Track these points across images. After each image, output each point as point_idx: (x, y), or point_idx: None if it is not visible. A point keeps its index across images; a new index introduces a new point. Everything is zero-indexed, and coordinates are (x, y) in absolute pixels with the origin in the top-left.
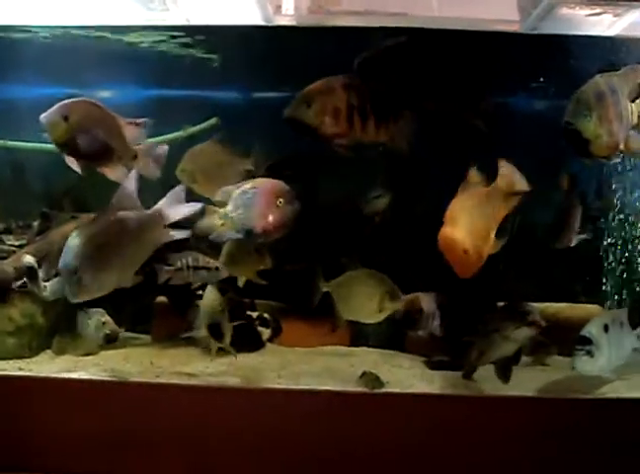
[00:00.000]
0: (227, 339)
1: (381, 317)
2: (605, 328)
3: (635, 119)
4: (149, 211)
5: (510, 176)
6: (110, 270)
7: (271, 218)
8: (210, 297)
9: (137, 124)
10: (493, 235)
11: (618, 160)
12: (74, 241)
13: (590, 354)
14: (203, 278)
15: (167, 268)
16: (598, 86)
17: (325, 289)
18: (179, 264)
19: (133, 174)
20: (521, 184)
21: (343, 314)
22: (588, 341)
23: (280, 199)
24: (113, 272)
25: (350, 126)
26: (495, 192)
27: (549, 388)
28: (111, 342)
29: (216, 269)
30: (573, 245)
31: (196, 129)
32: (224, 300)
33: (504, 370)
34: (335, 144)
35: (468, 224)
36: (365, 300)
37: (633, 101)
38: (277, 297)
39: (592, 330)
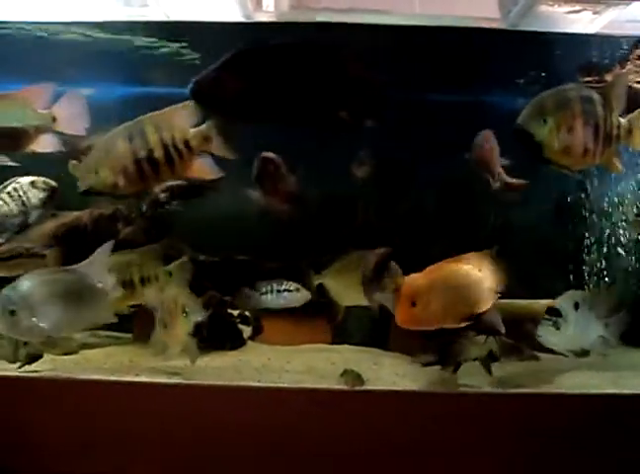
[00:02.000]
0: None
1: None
2: (576, 305)
3: (624, 134)
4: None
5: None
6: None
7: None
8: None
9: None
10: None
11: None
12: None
13: (556, 325)
14: (285, 300)
15: (253, 293)
16: (563, 92)
17: (318, 282)
18: (263, 289)
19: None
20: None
21: (341, 302)
22: (557, 312)
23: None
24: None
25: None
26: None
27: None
28: (33, 361)
29: (297, 290)
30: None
31: None
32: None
33: (485, 365)
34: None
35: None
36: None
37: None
38: None
39: (562, 303)
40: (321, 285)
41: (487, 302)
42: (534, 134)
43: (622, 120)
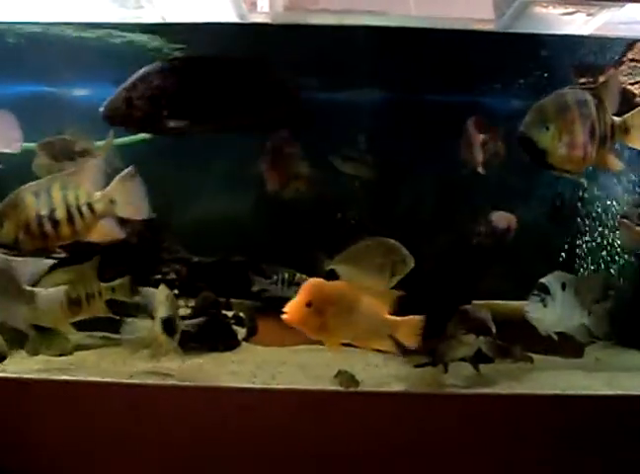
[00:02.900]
0: (177, 338)
1: (394, 282)
2: (563, 286)
3: (618, 133)
4: None
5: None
6: None
7: None
8: (163, 293)
9: None
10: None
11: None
12: None
13: (544, 302)
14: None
15: (263, 280)
16: (561, 97)
17: (329, 267)
18: (274, 277)
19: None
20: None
21: None
22: (545, 289)
23: None
24: None
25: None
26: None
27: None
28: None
29: None
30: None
31: None
32: (174, 298)
33: (474, 364)
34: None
35: None
36: (376, 271)
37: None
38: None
39: (551, 281)
40: (332, 271)
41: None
42: (538, 141)
43: (617, 120)
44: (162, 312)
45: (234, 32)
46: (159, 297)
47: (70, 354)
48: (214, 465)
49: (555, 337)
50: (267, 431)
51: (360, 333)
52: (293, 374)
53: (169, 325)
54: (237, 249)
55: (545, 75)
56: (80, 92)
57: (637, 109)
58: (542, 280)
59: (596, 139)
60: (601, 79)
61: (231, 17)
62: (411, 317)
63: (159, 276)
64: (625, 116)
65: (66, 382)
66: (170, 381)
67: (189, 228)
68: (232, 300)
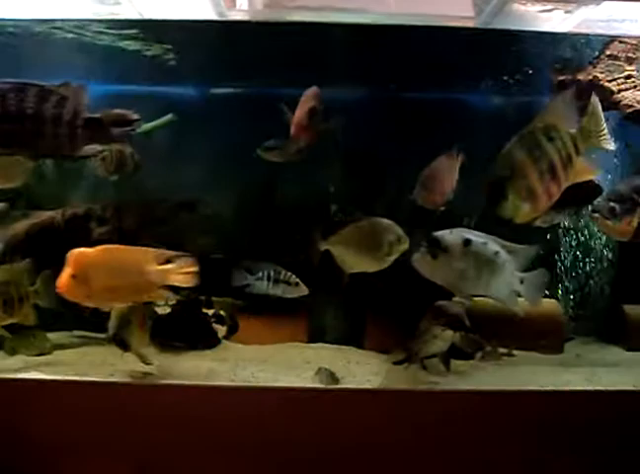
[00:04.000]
0: (136, 346)
1: (390, 260)
2: (466, 242)
3: (582, 143)
4: None
5: None
6: None
7: None
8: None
9: None
10: None
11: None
12: None
13: (433, 254)
14: (282, 292)
15: (248, 275)
16: (512, 156)
17: (324, 248)
18: (260, 274)
19: None
20: None
21: (346, 269)
22: (435, 242)
23: None
24: None
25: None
26: None
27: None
28: None
29: (296, 284)
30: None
31: (151, 126)
32: (134, 307)
33: (444, 361)
34: None
35: None
36: (373, 251)
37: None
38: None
39: (447, 236)
40: (327, 251)
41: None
42: (502, 215)
43: (577, 134)
44: (112, 329)
45: (213, 29)
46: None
47: (49, 353)
48: (194, 463)
49: (468, 301)
50: (247, 428)
51: (130, 292)
52: (274, 372)
53: (120, 343)
54: (219, 246)
55: (524, 72)
56: None
57: (589, 112)
58: (435, 234)
59: (559, 170)
60: (581, 77)
61: (210, 14)
62: (178, 262)
63: None
64: (582, 123)
65: (46, 381)
66: (150, 380)
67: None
68: (213, 298)
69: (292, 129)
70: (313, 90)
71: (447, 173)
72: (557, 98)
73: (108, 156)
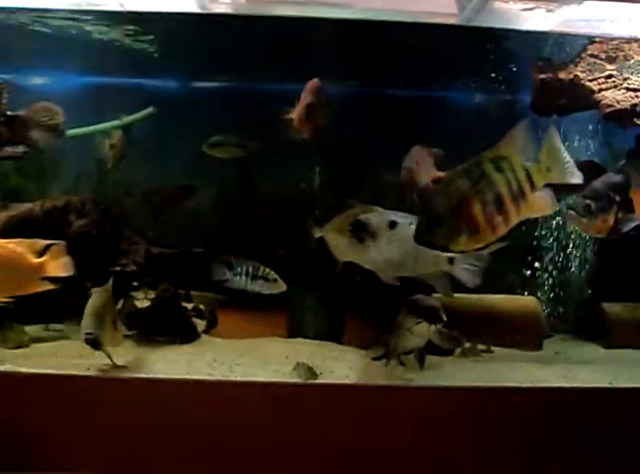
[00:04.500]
0: (108, 345)
1: None
2: (391, 224)
3: (539, 176)
4: None
5: None
6: None
7: None
8: (94, 303)
9: None
10: None
11: None
12: None
13: (359, 238)
14: (260, 288)
15: (226, 270)
16: (453, 185)
17: (318, 235)
18: (238, 269)
19: None
20: None
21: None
22: (361, 226)
23: None
24: None
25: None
26: None
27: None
28: None
29: (275, 280)
30: None
31: (133, 118)
32: (110, 306)
33: (419, 358)
34: None
35: None
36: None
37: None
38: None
39: (372, 219)
40: (321, 239)
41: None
42: (433, 241)
43: (532, 166)
44: (86, 327)
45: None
46: (88, 308)
47: (26, 346)
48: (172, 456)
49: (396, 282)
50: (224, 423)
51: (11, 285)
52: (252, 367)
53: (92, 342)
54: (199, 240)
55: (506, 70)
56: (38, 81)
57: (544, 146)
58: (360, 217)
59: (507, 202)
60: (562, 76)
61: (192, 7)
62: (51, 251)
63: (118, 268)
64: (540, 157)
65: (21, 374)
66: (126, 373)
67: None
68: (193, 292)
69: (295, 123)
70: (312, 84)
71: (427, 157)
72: (515, 129)
73: (116, 144)
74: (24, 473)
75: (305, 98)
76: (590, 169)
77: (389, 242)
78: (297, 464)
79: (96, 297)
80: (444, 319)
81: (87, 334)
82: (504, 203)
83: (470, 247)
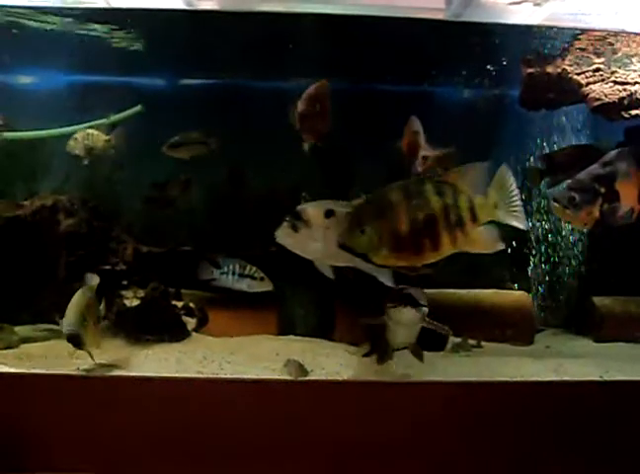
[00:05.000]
0: (90, 345)
1: None
2: (328, 213)
3: (485, 212)
4: None
5: None
6: None
7: None
8: (78, 300)
9: None
10: None
11: None
12: None
13: (294, 227)
14: (247, 287)
15: (214, 269)
16: (387, 195)
17: None
18: (225, 268)
19: None
20: None
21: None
22: (297, 215)
23: None
24: None
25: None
26: None
27: None
28: None
29: (261, 279)
30: None
31: (120, 117)
32: (93, 305)
33: (415, 352)
34: None
35: None
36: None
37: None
38: None
39: (308, 208)
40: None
41: None
42: (354, 247)
43: (478, 199)
44: (68, 325)
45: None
46: (70, 308)
47: (16, 347)
48: (162, 454)
49: (331, 275)
50: (215, 420)
51: None
52: (242, 364)
53: (74, 340)
54: (189, 238)
55: (494, 64)
56: (24, 79)
57: (494, 182)
58: (298, 207)
59: (442, 228)
60: (550, 70)
61: (178, 3)
62: None
63: (108, 267)
64: (488, 191)
65: (11, 374)
66: (116, 372)
67: (138, 217)
68: (183, 291)
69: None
70: (308, 92)
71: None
72: (472, 165)
73: (79, 136)
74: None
75: (299, 106)
76: (588, 153)
77: (325, 231)
78: (289, 462)
79: (79, 295)
80: (423, 303)
81: (69, 330)
82: (436, 228)
83: (391, 263)
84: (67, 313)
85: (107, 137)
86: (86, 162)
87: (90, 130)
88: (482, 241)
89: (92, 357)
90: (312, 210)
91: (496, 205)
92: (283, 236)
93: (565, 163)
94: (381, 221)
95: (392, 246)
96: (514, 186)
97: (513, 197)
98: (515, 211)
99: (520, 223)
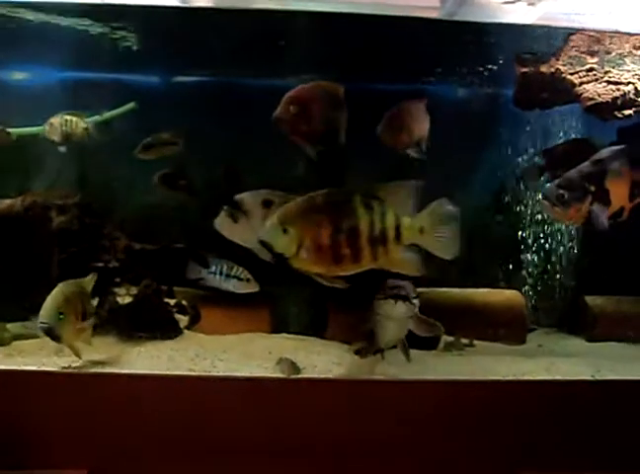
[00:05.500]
0: (70, 340)
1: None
2: (266, 203)
3: (409, 234)
4: None
5: None
6: None
7: None
8: (55, 294)
9: None
10: None
11: None
12: None
13: (233, 217)
14: (234, 287)
15: (202, 268)
16: (312, 200)
17: None
18: (213, 268)
19: None
20: None
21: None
22: (235, 205)
23: None
24: None
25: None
26: None
27: None
28: None
29: (247, 280)
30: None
31: (113, 114)
32: (76, 300)
33: (404, 350)
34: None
35: None
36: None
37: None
38: None
39: (246, 197)
40: None
41: None
42: (274, 245)
43: (406, 220)
44: (41, 317)
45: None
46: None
47: (8, 344)
48: (154, 452)
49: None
50: (207, 418)
51: None
52: (234, 362)
53: (49, 333)
54: (182, 236)
55: (488, 64)
56: (18, 76)
57: (428, 209)
58: (236, 197)
59: (364, 242)
60: (544, 69)
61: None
62: None
63: (100, 264)
64: (418, 215)
65: (5, 371)
66: (108, 369)
67: (130, 214)
68: (175, 288)
69: None
70: (285, 96)
71: (415, 113)
72: (405, 182)
73: (55, 122)
74: (5, 471)
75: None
76: (585, 147)
77: (262, 221)
78: (281, 459)
79: (56, 289)
80: (411, 296)
81: (41, 323)
82: (358, 240)
83: (308, 268)
84: (43, 305)
85: (86, 124)
86: (63, 148)
87: (68, 116)
88: (403, 262)
89: (77, 353)
90: (250, 200)
91: (422, 230)
92: (222, 225)
93: (564, 158)
94: (306, 224)
95: (312, 251)
96: (450, 220)
97: (444, 226)
98: (440, 240)
99: (442, 254)
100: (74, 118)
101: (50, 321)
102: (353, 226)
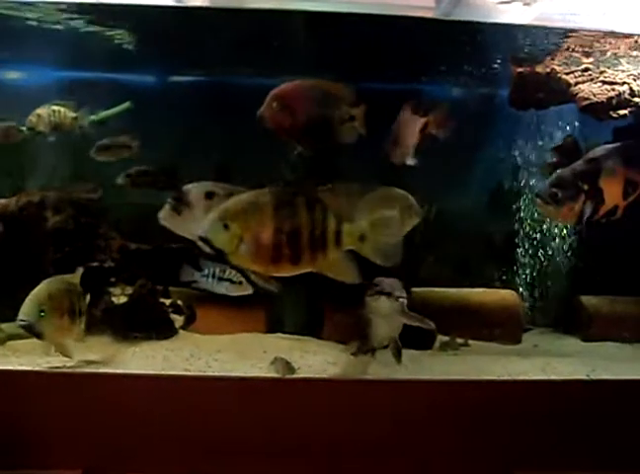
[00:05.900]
0: (53, 337)
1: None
2: (209, 195)
3: (350, 240)
4: None
5: None
6: None
7: None
8: (38, 292)
9: None
10: None
11: None
12: None
13: (177, 210)
14: (226, 290)
15: (195, 271)
16: (255, 198)
17: None
18: (205, 271)
19: None
20: None
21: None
22: (178, 197)
23: None
24: None
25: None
26: None
27: None
28: None
29: (240, 283)
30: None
31: (108, 113)
32: (61, 297)
33: (395, 351)
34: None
35: None
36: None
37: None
38: None
39: (190, 190)
40: None
41: None
42: (213, 240)
43: (347, 226)
44: (21, 313)
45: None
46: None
47: (3, 343)
48: (149, 452)
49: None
50: (201, 418)
51: None
52: (229, 362)
53: (29, 330)
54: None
55: (484, 64)
56: (13, 75)
57: (370, 215)
58: (182, 188)
59: (304, 244)
60: (539, 69)
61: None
62: None
63: (95, 264)
64: (359, 221)
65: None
66: (103, 369)
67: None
68: (170, 288)
69: None
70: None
71: (410, 124)
72: (348, 186)
73: (43, 113)
74: (2, 471)
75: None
76: (572, 147)
77: (205, 213)
78: (276, 459)
79: (42, 286)
80: (397, 293)
81: (20, 320)
82: (298, 242)
83: (246, 266)
84: (23, 303)
85: (74, 114)
86: (52, 138)
87: (56, 107)
88: (340, 268)
89: (65, 352)
90: (193, 192)
91: (362, 237)
92: (166, 217)
93: (575, 150)
94: (247, 222)
95: (251, 249)
96: (393, 224)
97: (385, 235)
98: (379, 250)
99: (382, 261)
100: (62, 109)
101: (30, 318)
102: (294, 227)
